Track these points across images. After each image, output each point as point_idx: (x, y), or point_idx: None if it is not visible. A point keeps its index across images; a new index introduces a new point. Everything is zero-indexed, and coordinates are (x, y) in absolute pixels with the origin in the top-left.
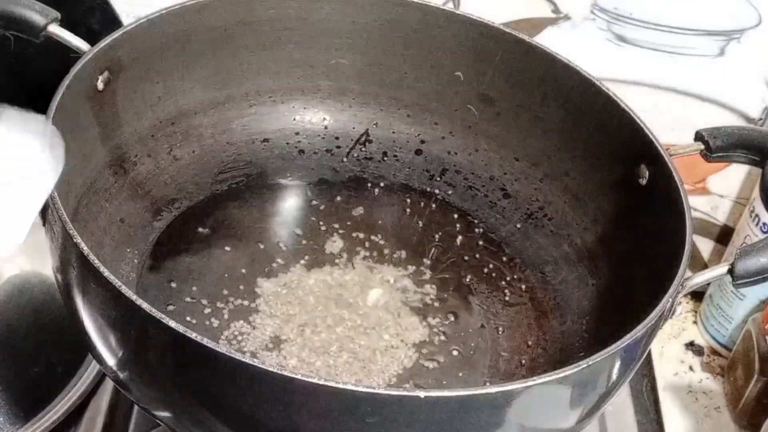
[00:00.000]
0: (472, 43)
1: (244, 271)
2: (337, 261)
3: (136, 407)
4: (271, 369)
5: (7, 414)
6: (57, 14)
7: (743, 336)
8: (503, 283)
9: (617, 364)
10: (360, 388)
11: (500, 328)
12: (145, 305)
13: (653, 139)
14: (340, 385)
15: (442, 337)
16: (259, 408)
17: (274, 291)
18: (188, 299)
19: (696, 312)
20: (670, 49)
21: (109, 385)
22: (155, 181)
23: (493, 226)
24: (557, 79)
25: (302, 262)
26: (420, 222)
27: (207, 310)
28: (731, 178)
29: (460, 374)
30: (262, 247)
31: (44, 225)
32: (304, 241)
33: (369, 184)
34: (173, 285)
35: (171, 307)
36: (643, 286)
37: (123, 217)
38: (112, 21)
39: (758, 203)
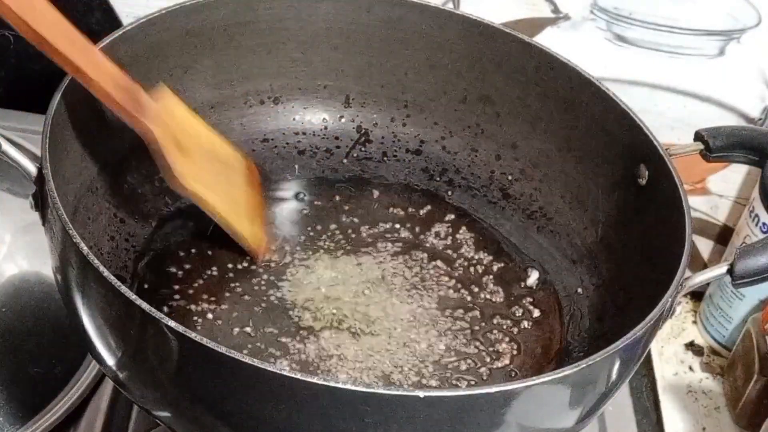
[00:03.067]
0: (472, 43)
1: (242, 267)
2: (336, 261)
3: (136, 407)
4: (270, 369)
5: (7, 414)
6: None
7: (743, 336)
8: (503, 283)
9: (617, 364)
10: (360, 388)
11: (500, 329)
12: (144, 305)
13: (653, 139)
14: (340, 385)
15: (442, 337)
16: (259, 408)
17: (275, 290)
18: (188, 298)
19: (696, 312)
20: (670, 49)
21: (109, 385)
22: (155, 180)
23: (493, 226)
24: (557, 79)
25: (302, 262)
26: (420, 222)
27: (207, 310)
28: (731, 178)
29: (460, 374)
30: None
31: (44, 225)
32: (303, 242)
33: (369, 184)
34: (173, 285)
35: (171, 306)
36: (643, 286)
37: (123, 216)
38: (112, 21)
39: (758, 203)
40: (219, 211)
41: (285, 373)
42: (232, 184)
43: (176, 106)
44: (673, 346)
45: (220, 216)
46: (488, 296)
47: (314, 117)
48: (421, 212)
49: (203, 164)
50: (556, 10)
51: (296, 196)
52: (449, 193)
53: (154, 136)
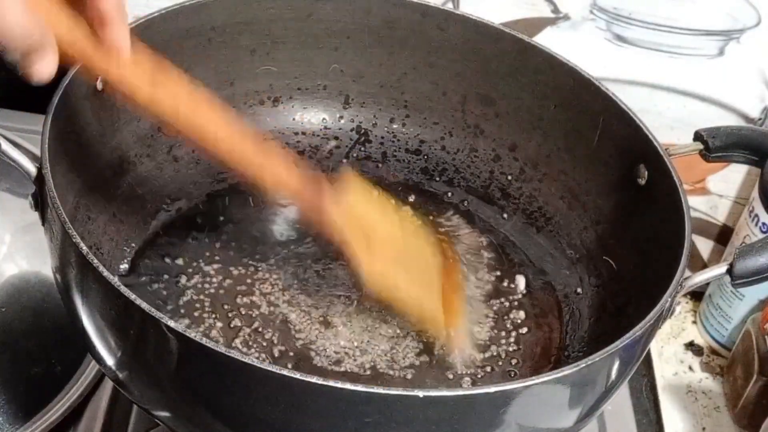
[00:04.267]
0: (472, 43)
1: (243, 271)
2: (337, 261)
3: (135, 407)
4: (270, 369)
5: (7, 414)
6: None
7: (743, 336)
8: (503, 283)
9: (616, 364)
10: (360, 388)
11: (499, 329)
12: (144, 305)
13: (652, 139)
14: (339, 385)
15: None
16: (259, 408)
17: (276, 291)
18: (188, 299)
19: (695, 312)
20: (670, 49)
21: (108, 385)
22: (154, 180)
23: (493, 225)
24: (557, 79)
25: (302, 261)
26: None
27: (207, 309)
28: (730, 178)
29: (459, 374)
30: (262, 247)
31: (44, 225)
32: (303, 242)
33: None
34: (173, 284)
35: (170, 307)
36: (643, 285)
37: (122, 216)
38: None
39: (757, 203)
40: (405, 301)
41: (285, 373)
42: (420, 270)
43: (359, 192)
44: (673, 346)
45: (408, 307)
46: (487, 296)
47: (314, 117)
48: (421, 212)
49: (390, 255)
50: (555, 10)
51: None
52: (449, 193)
53: (345, 242)
